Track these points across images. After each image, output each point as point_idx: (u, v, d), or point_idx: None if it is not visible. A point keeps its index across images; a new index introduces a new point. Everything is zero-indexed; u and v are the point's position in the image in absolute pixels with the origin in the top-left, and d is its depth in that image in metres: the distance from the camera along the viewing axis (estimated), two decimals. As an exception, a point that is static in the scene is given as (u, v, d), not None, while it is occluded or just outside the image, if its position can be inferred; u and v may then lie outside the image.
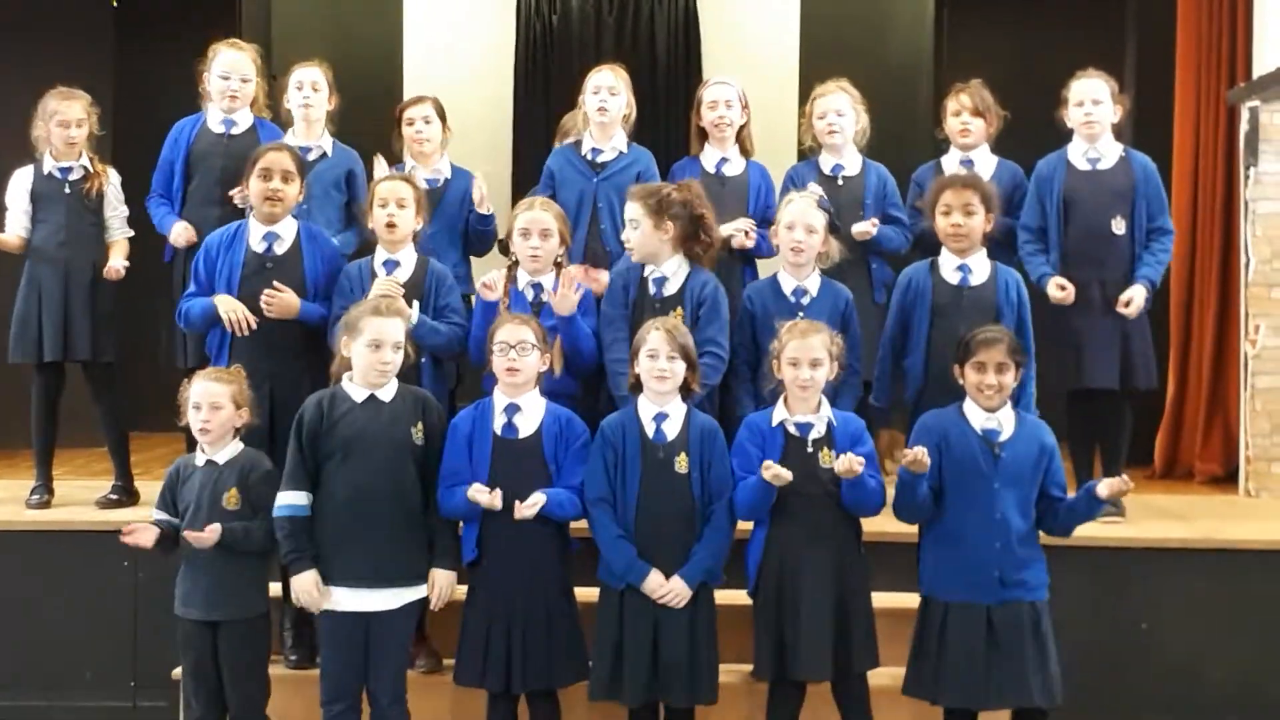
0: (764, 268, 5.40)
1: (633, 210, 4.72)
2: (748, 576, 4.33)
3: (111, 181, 5.67)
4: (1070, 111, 5.44)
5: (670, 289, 4.75)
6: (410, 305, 4.66)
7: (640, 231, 4.70)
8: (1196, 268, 6.94)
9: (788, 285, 4.82)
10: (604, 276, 5.03)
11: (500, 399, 4.34)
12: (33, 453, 5.70)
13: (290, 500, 4.20)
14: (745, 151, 5.55)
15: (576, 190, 5.37)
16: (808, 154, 5.66)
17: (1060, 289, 5.30)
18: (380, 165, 5.27)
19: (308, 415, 4.25)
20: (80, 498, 5.71)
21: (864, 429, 4.37)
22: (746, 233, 5.30)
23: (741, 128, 5.52)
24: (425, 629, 4.75)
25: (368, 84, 7.19)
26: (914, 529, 4.46)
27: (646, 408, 4.31)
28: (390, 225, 4.81)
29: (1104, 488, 4.16)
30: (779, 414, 4.30)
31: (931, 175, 5.49)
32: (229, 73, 5.45)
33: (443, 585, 4.27)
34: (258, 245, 4.84)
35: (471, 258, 5.65)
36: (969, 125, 5.59)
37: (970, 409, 4.26)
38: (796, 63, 7.86)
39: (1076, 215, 5.41)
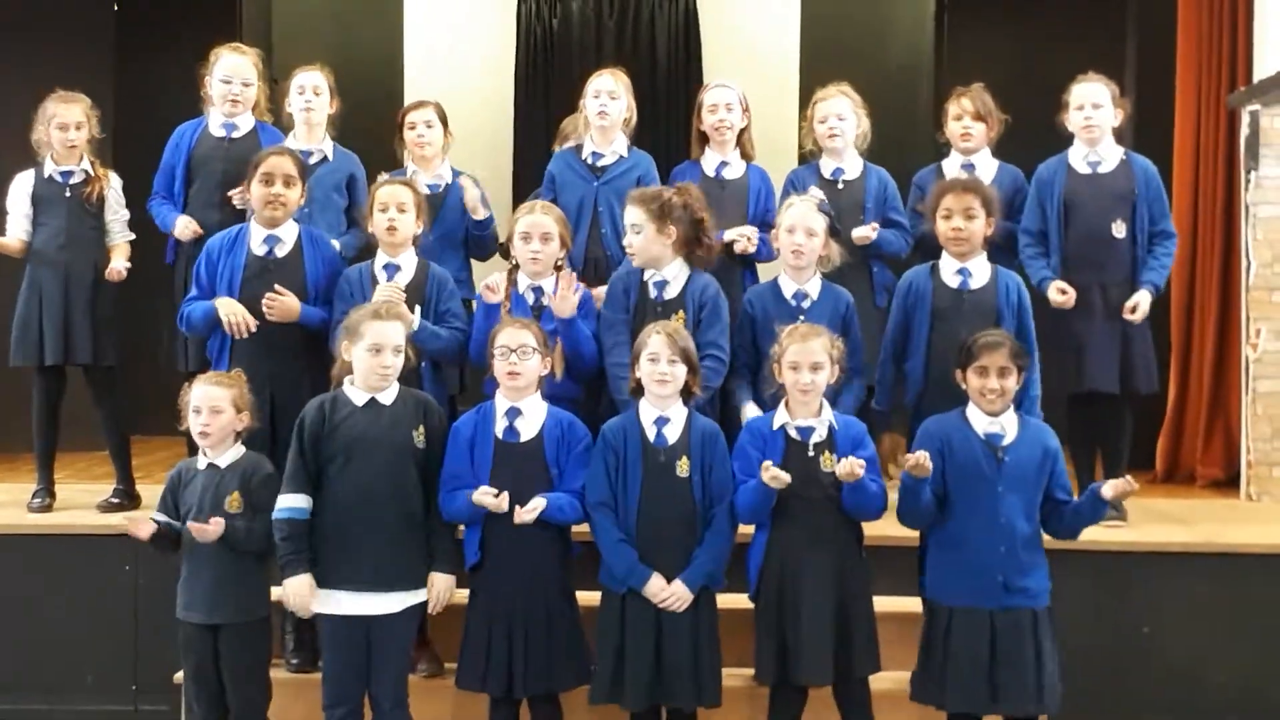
0: (764, 272, 5.40)
1: (635, 215, 4.72)
2: (749, 580, 4.33)
3: (112, 185, 5.67)
4: (1071, 115, 5.45)
5: (671, 292, 4.75)
6: (411, 310, 4.66)
7: (643, 236, 4.70)
8: (1197, 272, 6.94)
9: (788, 289, 4.82)
10: (599, 291, 5.00)
11: (502, 403, 4.34)
12: (34, 456, 5.70)
13: (290, 503, 4.20)
14: (746, 155, 5.55)
15: (577, 194, 5.38)
16: (808, 157, 5.66)
17: (1061, 293, 5.30)
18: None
19: (309, 418, 4.25)
20: (81, 501, 5.71)
21: (865, 433, 4.37)
22: (749, 238, 5.30)
23: (742, 131, 5.52)
24: (427, 633, 4.74)
25: (368, 88, 7.19)
26: (915, 533, 4.46)
27: (647, 411, 4.31)
28: (391, 229, 4.81)
29: (1108, 489, 4.16)
30: (780, 418, 4.30)
31: (933, 178, 5.50)
32: (230, 77, 5.45)
33: (441, 589, 4.27)
34: (259, 248, 4.84)
35: (473, 262, 5.65)
36: (970, 129, 5.59)
37: (973, 413, 4.26)
38: (797, 66, 7.86)
39: (1077, 219, 5.41)
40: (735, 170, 5.50)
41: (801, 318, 4.67)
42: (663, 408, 4.30)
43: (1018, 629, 4.14)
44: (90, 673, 5.34)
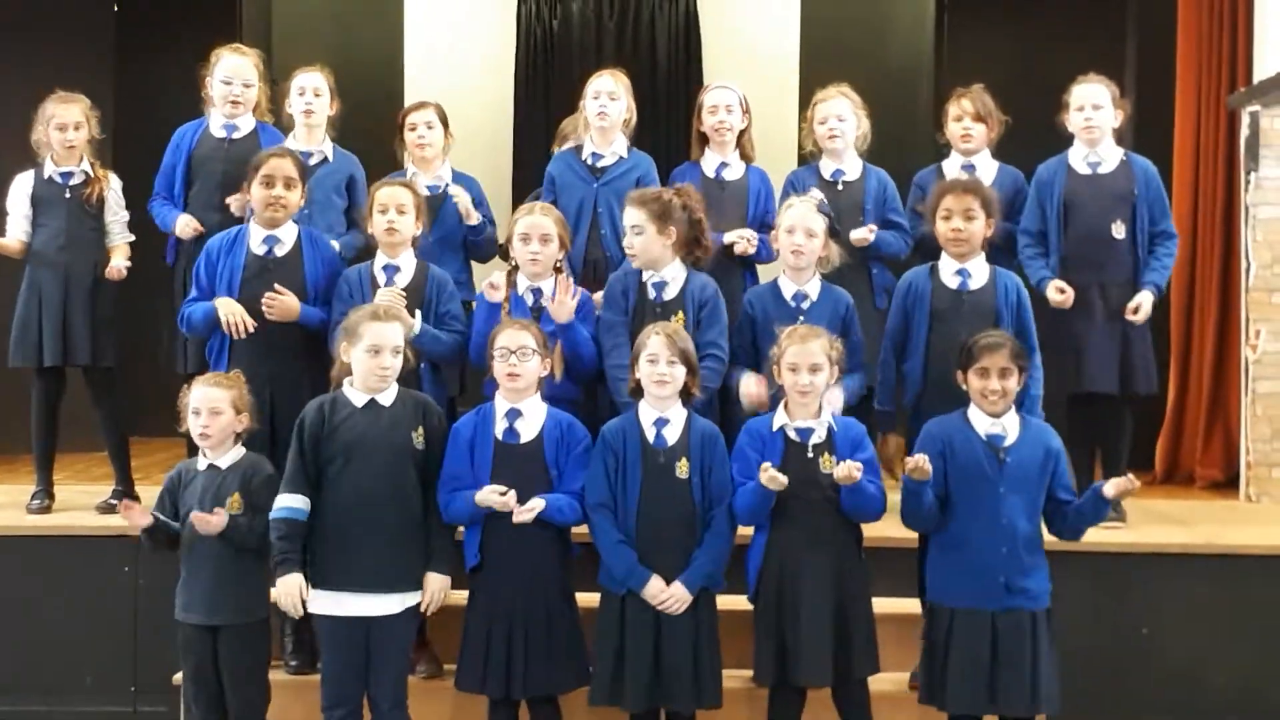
0: (764, 273, 5.40)
1: (636, 216, 4.71)
2: (748, 581, 4.33)
3: (112, 186, 5.67)
4: (1071, 116, 5.45)
5: (670, 293, 4.75)
6: (412, 314, 4.66)
7: (644, 237, 4.70)
8: (1197, 273, 6.95)
9: (788, 290, 4.82)
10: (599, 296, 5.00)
11: (501, 404, 4.34)
12: (33, 457, 5.70)
13: (288, 503, 4.19)
14: (746, 156, 5.55)
15: (577, 195, 5.37)
16: (808, 158, 5.66)
17: (1059, 292, 5.31)
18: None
19: (309, 420, 4.25)
20: (81, 502, 5.72)
21: (865, 434, 4.37)
22: (748, 240, 5.30)
23: (742, 133, 5.52)
24: (426, 634, 4.74)
25: (368, 88, 7.19)
26: (914, 534, 4.47)
27: (647, 413, 4.31)
28: (390, 231, 4.81)
29: (1110, 487, 4.16)
30: (779, 419, 4.30)
31: (933, 179, 5.49)
32: (231, 78, 5.45)
33: (435, 589, 4.26)
34: (258, 248, 4.85)
35: (473, 262, 5.65)
36: (970, 130, 5.59)
37: (974, 415, 4.26)
38: (797, 67, 7.86)
39: (1076, 219, 5.41)
40: (735, 171, 5.50)
41: (801, 319, 4.67)
42: (662, 409, 4.30)
43: (1018, 630, 4.14)
44: (89, 674, 5.34)
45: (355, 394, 4.28)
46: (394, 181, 4.98)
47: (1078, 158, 5.46)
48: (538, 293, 4.78)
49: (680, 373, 4.28)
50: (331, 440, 4.22)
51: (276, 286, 4.75)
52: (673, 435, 4.28)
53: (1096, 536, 4.40)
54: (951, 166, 5.60)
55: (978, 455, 4.20)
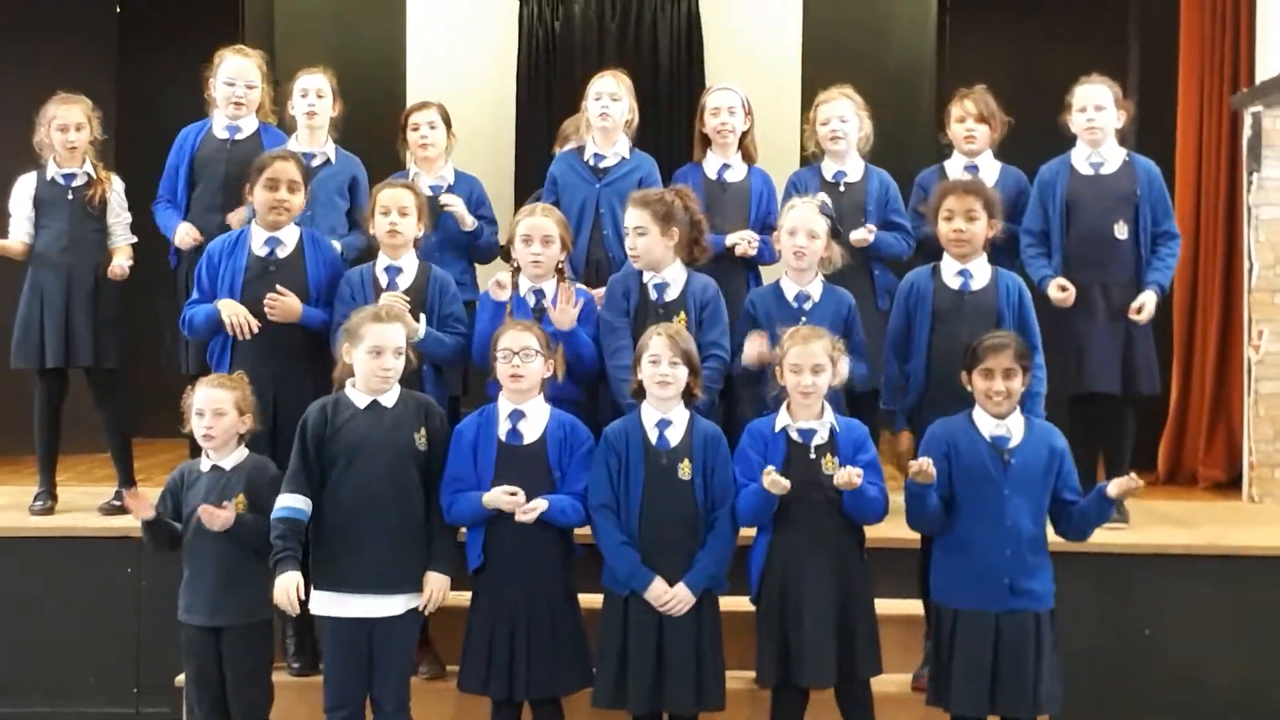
0: (766, 274, 5.40)
1: (639, 217, 4.71)
2: (750, 583, 4.32)
3: (115, 188, 5.67)
4: (1073, 117, 5.45)
5: (671, 294, 4.75)
6: (416, 318, 4.66)
7: (648, 238, 4.70)
8: (1200, 273, 6.94)
9: (790, 291, 4.82)
10: (599, 292, 5.00)
11: (505, 405, 4.34)
12: (36, 459, 5.70)
13: (290, 503, 4.19)
14: (748, 158, 5.54)
15: (579, 196, 5.38)
16: (810, 159, 5.66)
17: (1061, 290, 5.31)
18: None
19: (311, 421, 4.25)
20: (83, 503, 5.72)
21: (867, 435, 4.37)
22: (748, 241, 5.30)
23: (744, 134, 5.52)
24: (428, 635, 4.74)
25: (370, 89, 7.20)
26: (916, 535, 4.47)
27: (649, 414, 4.31)
28: (392, 233, 4.81)
29: (1113, 487, 4.16)
30: (782, 420, 4.30)
31: (935, 179, 5.48)
32: (234, 79, 5.45)
33: (434, 588, 4.25)
34: (260, 250, 4.85)
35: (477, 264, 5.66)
36: (974, 131, 5.58)
37: (979, 416, 4.26)
38: (798, 68, 7.87)
39: (1079, 219, 5.41)
40: (737, 173, 5.50)
41: (804, 319, 4.67)
42: (664, 410, 4.29)
43: (1022, 631, 4.14)
44: (92, 675, 5.34)
45: (358, 395, 4.28)
46: (396, 183, 4.98)
47: (1080, 158, 5.46)
48: (540, 294, 4.78)
49: (682, 374, 4.28)
50: (334, 441, 4.22)
51: (278, 288, 4.74)
52: (675, 436, 4.28)
53: (1099, 537, 4.40)
54: (954, 167, 5.60)
55: (982, 457, 4.20)
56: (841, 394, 4.55)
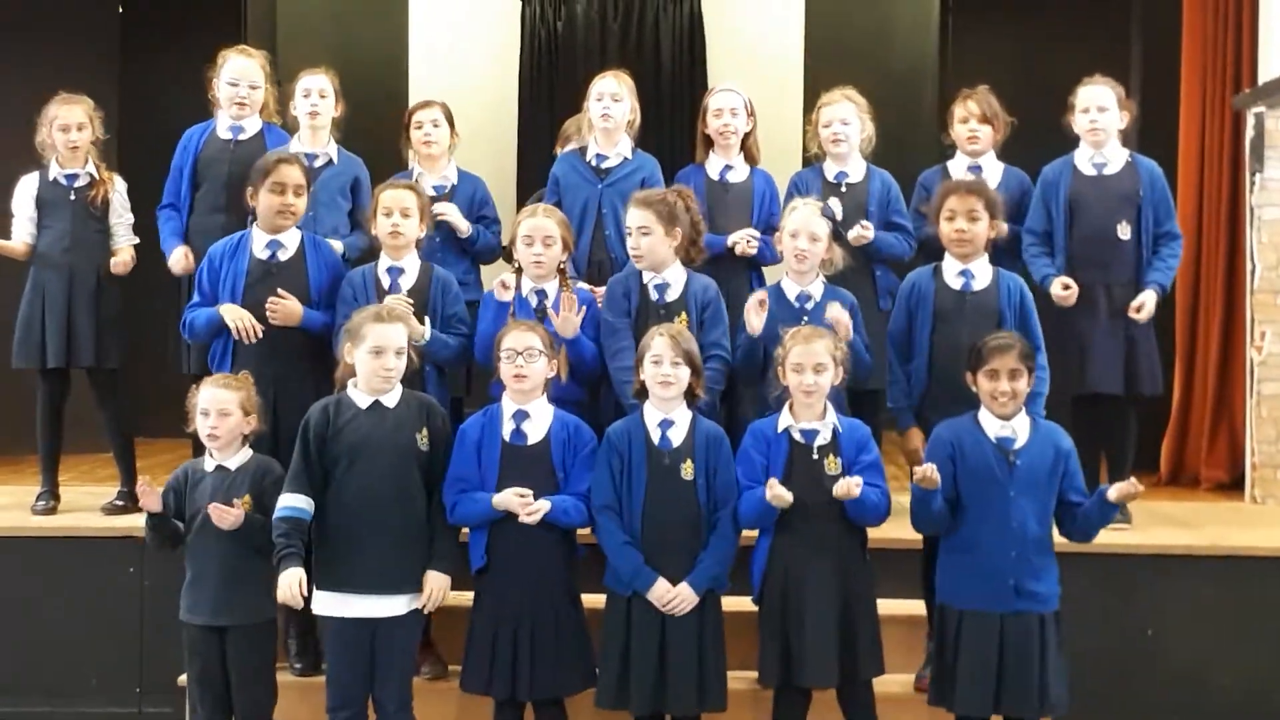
0: (769, 274, 5.40)
1: (643, 218, 4.71)
2: (752, 583, 4.33)
3: (117, 189, 5.67)
4: (1076, 118, 5.45)
5: (672, 295, 4.76)
6: (421, 321, 4.66)
7: (652, 238, 4.70)
8: (1202, 274, 6.93)
9: (791, 291, 4.81)
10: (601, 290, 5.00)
11: (509, 405, 4.34)
12: (38, 459, 5.71)
13: (292, 503, 4.19)
14: (751, 159, 5.54)
15: (581, 196, 5.37)
16: (813, 160, 5.65)
17: (1064, 288, 5.30)
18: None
19: (313, 421, 4.25)
20: (86, 503, 5.72)
21: (869, 436, 4.37)
22: (748, 240, 5.30)
23: (747, 135, 5.51)
24: (431, 635, 4.74)
25: (372, 89, 7.21)
26: (919, 536, 4.47)
27: (652, 414, 4.31)
28: (395, 234, 4.81)
29: (1114, 492, 4.16)
30: (784, 421, 4.30)
31: (938, 180, 5.47)
32: (237, 79, 5.45)
33: (434, 587, 4.25)
34: (261, 252, 4.84)
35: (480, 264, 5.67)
36: (977, 132, 5.57)
37: (985, 417, 4.26)
38: (801, 68, 7.88)
39: (1081, 219, 5.41)
40: (739, 174, 5.50)
41: (805, 319, 4.67)
42: (667, 410, 4.29)
43: (1027, 633, 4.14)
44: (94, 675, 5.34)
45: (359, 396, 4.28)
46: (398, 184, 4.97)
47: (1083, 159, 5.46)
48: (541, 294, 4.78)
49: (685, 374, 4.28)
50: (336, 442, 4.22)
51: (279, 291, 4.74)
52: (678, 437, 4.28)
53: (1102, 538, 4.40)
54: (957, 168, 5.60)
55: (988, 458, 4.20)
56: (844, 394, 4.56)
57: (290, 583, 4.10)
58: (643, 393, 4.33)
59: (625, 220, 4.83)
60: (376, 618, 4.20)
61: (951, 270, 4.73)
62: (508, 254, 4.99)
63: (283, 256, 4.86)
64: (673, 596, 4.18)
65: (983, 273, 4.73)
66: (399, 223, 4.81)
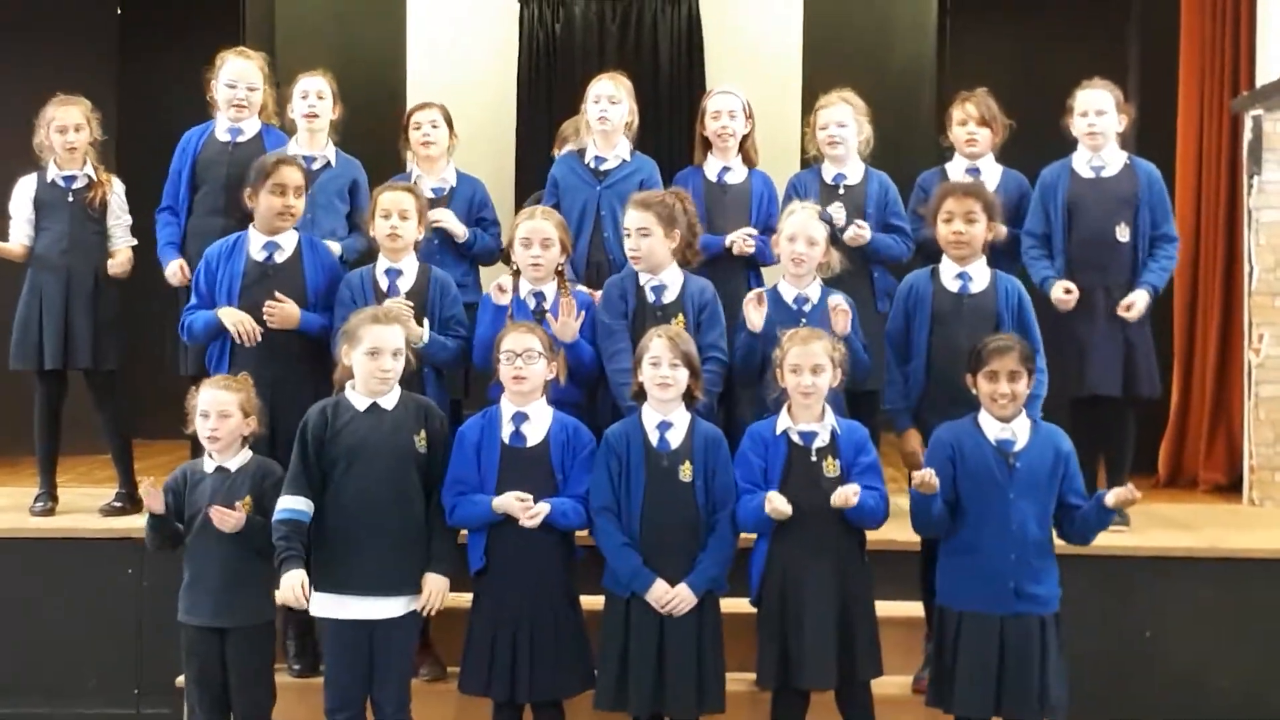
0: (767, 275, 5.40)
1: (643, 219, 4.71)
2: (750, 585, 4.33)
3: (115, 190, 5.67)
4: (1075, 121, 5.46)
5: (669, 297, 4.76)
6: (420, 323, 4.66)
7: (652, 239, 4.71)
8: (1200, 276, 6.93)
9: (789, 294, 4.82)
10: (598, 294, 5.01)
11: (508, 407, 4.34)
12: (36, 460, 5.70)
13: (291, 505, 4.19)
14: (749, 161, 5.54)
15: (580, 198, 5.38)
16: (812, 162, 5.65)
17: (1066, 292, 5.31)
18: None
19: (312, 423, 4.25)
20: (84, 505, 5.71)
21: (868, 437, 4.37)
22: (744, 238, 5.30)
23: (745, 137, 5.52)
24: (429, 637, 4.74)
25: (371, 90, 7.20)
26: (917, 537, 4.47)
27: (650, 416, 4.31)
28: (393, 236, 4.81)
29: (1111, 497, 4.16)
30: (783, 422, 4.30)
31: (936, 181, 5.46)
32: (235, 81, 5.45)
33: (434, 589, 4.25)
34: (258, 254, 4.84)
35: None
36: (975, 135, 5.58)
37: (985, 420, 4.26)
38: (799, 69, 7.87)
39: (1080, 221, 5.42)
40: (738, 175, 5.50)
41: (803, 321, 4.67)
42: (665, 412, 4.30)
43: (1027, 635, 4.14)
44: (92, 676, 5.34)
45: (357, 398, 4.28)
46: (397, 186, 4.97)
47: (1081, 161, 5.47)
48: (540, 296, 4.78)
49: (683, 375, 4.28)
50: (334, 444, 4.22)
51: (277, 294, 4.74)
52: (676, 439, 4.29)
53: (1100, 540, 4.41)
54: (956, 170, 5.60)
55: (988, 461, 4.20)
56: (842, 396, 4.56)
57: (293, 585, 4.10)
58: (641, 394, 4.33)
59: (624, 222, 4.83)
60: (374, 619, 4.20)
61: (949, 272, 4.73)
62: (506, 256, 4.99)
63: (279, 258, 4.86)
64: (671, 597, 4.18)
65: (980, 275, 4.73)
66: (397, 225, 4.81)
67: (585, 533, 4.33)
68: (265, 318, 4.72)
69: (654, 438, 4.28)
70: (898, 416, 4.77)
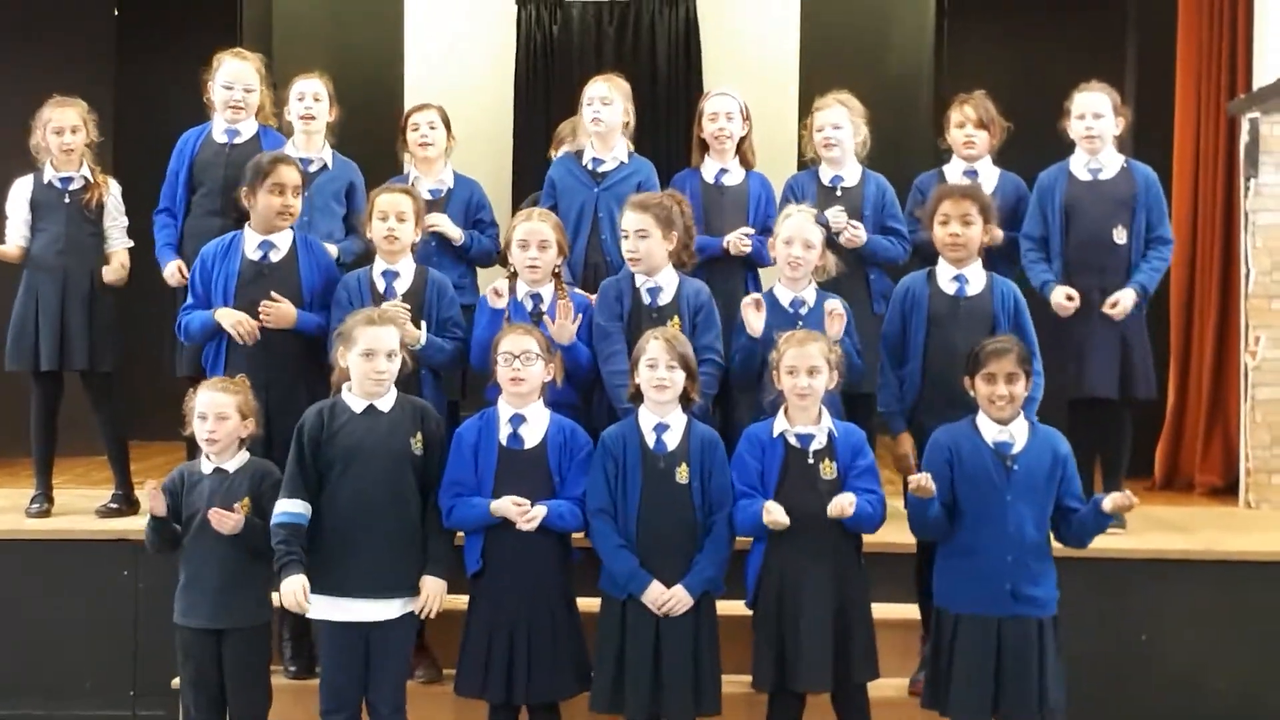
0: (765, 276, 5.40)
1: (641, 221, 4.71)
2: (747, 587, 4.33)
3: (112, 192, 5.67)
4: (1072, 124, 5.46)
5: (665, 298, 4.76)
6: (417, 325, 4.66)
7: (650, 241, 4.71)
8: (1197, 278, 6.94)
9: (785, 297, 4.82)
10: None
11: (505, 409, 4.34)
12: (32, 462, 5.70)
13: (289, 508, 4.18)
14: (746, 163, 5.53)
15: (577, 200, 5.37)
16: (809, 164, 5.66)
17: (1068, 299, 5.31)
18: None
19: (308, 425, 4.25)
20: (80, 506, 5.71)
21: (865, 440, 4.37)
22: (740, 238, 5.30)
23: (742, 139, 5.51)
24: (425, 639, 4.74)
25: (368, 92, 7.20)
26: (913, 540, 4.48)
27: (647, 418, 4.31)
28: (390, 238, 4.80)
29: (1108, 502, 4.17)
30: (779, 425, 4.30)
31: (933, 183, 5.47)
32: (232, 82, 5.45)
33: (431, 592, 4.25)
34: (253, 253, 4.84)
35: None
36: (973, 137, 5.58)
37: (983, 422, 4.26)
38: (797, 72, 7.87)
39: (1078, 224, 5.42)
40: (735, 177, 5.50)
41: (800, 323, 4.67)
42: (662, 414, 4.30)
43: (1025, 637, 4.14)
44: (88, 678, 5.33)
45: (354, 400, 4.28)
46: (394, 188, 4.96)
47: (1079, 164, 5.47)
48: (537, 298, 4.78)
49: (680, 377, 4.28)
50: (331, 446, 4.22)
51: (273, 294, 4.74)
52: (673, 440, 4.29)
53: (1097, 542, 4.41)
54: (953, 172, 5.60)
55: (985, 463, 4.20)
56: (839, 398, 4.56)
57: (294, 589, 4.10)
58: (638, 396, 4.33)
59: (622, 223, 4.82)
60: (370, 621, 4.20)
61: (945, 275, 4.73)
62: (503, 258, 4.99)
63: (275, 257, 4.85)
64: (668, 599, 4.18)
65: (976, 277, 4.73)
66: (394, 227, 4.80)
67: (582, 535, 4.33)
68: (261, 317, 4.72)
69: (650, 439, 4.28)
70: (892, 419, 4.77)
